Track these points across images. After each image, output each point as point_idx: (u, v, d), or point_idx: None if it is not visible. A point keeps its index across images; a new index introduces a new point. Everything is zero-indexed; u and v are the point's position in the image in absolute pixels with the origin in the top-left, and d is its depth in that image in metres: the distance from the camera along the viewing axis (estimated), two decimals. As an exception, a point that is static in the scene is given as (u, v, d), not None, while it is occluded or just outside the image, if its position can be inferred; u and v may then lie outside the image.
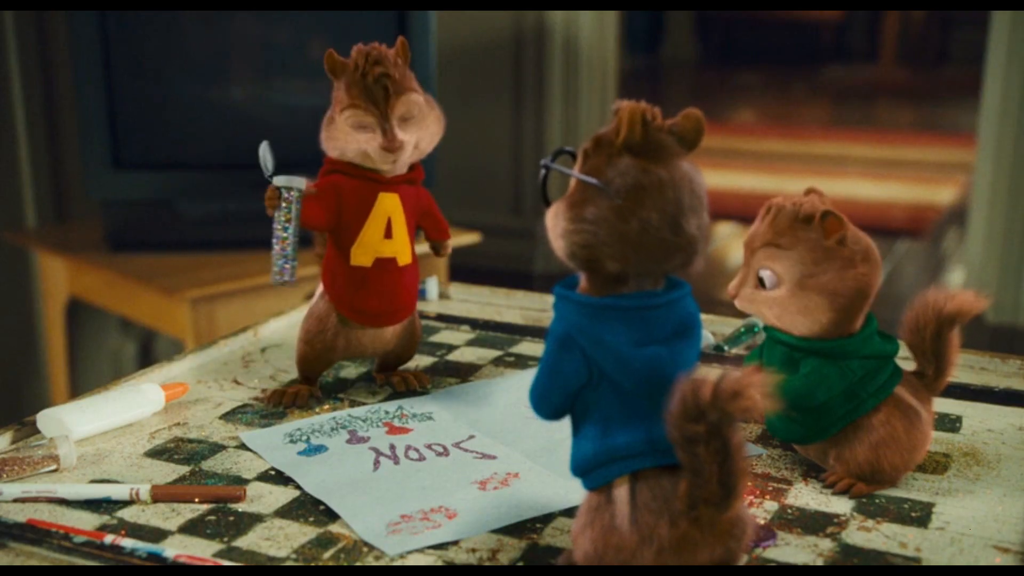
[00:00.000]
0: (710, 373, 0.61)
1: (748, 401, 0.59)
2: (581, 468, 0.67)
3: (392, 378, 1.03)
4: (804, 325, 0.80)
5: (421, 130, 0.97)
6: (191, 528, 0.77)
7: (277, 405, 0.98)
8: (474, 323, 1.21)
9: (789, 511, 0.79)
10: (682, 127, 0.65)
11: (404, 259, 0.99)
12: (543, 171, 0.67)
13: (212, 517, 0.79)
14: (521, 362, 1.11)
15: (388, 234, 0.97)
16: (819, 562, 0.72)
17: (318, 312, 0.99)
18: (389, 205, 0.97)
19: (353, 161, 0.97)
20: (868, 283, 0.79)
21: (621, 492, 0.64)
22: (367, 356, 1.02)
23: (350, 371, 1.07)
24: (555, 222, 0.64)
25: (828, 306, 0.79)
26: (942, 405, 0.97)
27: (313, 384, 1.01)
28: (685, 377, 0.61)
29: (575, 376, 0.65)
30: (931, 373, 0.83)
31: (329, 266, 0.99)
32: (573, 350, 0.65)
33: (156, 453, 0.89)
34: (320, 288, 1.01)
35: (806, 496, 0.81)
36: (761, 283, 0.81)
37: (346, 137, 0.95)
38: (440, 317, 1.23)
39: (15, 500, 0.80)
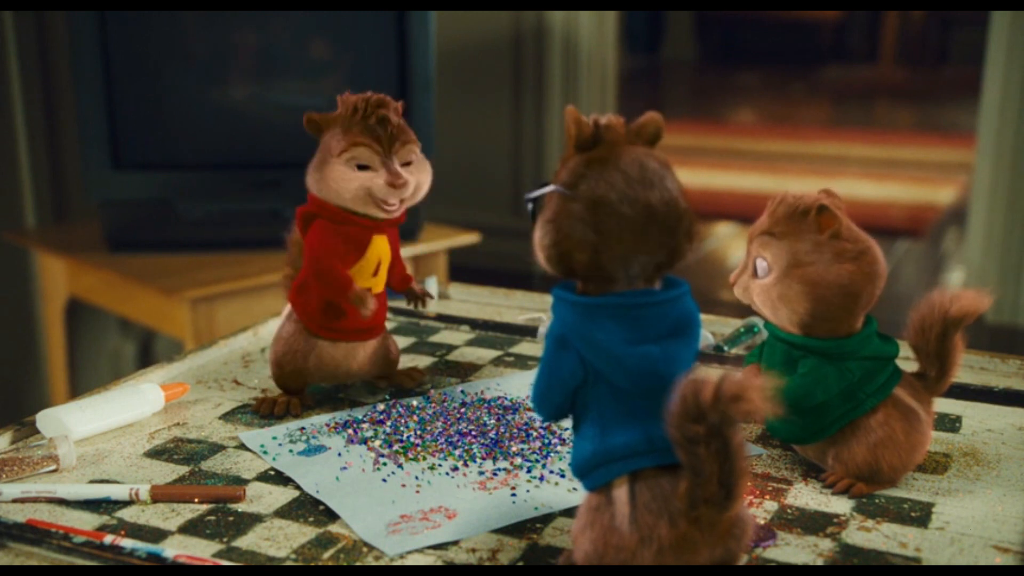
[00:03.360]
0: (710, 374, 0.61)
1: (749, 405, 0.59)
2: (581, 468, 0.67)
3: (398, 377, 1.03)
4: (784, 314, 0.81)
5: (419, 176, 0.97)
6: (191, 528, 0.77)
7: (267, 415, 0.97)
8: (474, 323, 1.21)
9: (789, 511, 0.79)
10: (641, 126, 0.67)
11: (378, 288, 1.00)
12: (530, 205, 0.68)
13: (212, 517, 0.79)
14: (521, 362, 1.11)
15: (376, 273, 0.98)
16: (819, 562, 0.72)
17: (286, 334, 0.98)
18: (381, 248, 0.98)
19: (347, 206, 0.95)
20: (854, 281, 0.79)
21: (621, 492, 0.64)
22: (341, 378, 1.00)
23: (350, 371, 1.07)
24: (534, 240, 0.66)
25: (806, 296, 0.79)
26: (942, 405, 0.97)
27: (301, 394, 0.99)
28: (685, 377, 0.61)
29: (572, 376, 0.65)
30: (934, 374, 0.83)
31: (303, 290, 0.98)
32: (569, 350, 0.65)
33: (156, 453, 0.89)
34: (287, 308, 1.00)
35: (806, 496, 0.81)
36: (756, 273, 0.82)
37: (345, 177, 0.94)
38: (440, 317, 1.23)
39: (15, 500, 0.80)
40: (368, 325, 0.98)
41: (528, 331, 1.18)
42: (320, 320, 0.97)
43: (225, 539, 0.75)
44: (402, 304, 1.28)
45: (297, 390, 0.99)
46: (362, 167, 0.94)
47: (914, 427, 0.81)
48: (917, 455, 0.82)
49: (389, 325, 1.21)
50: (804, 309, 0.80)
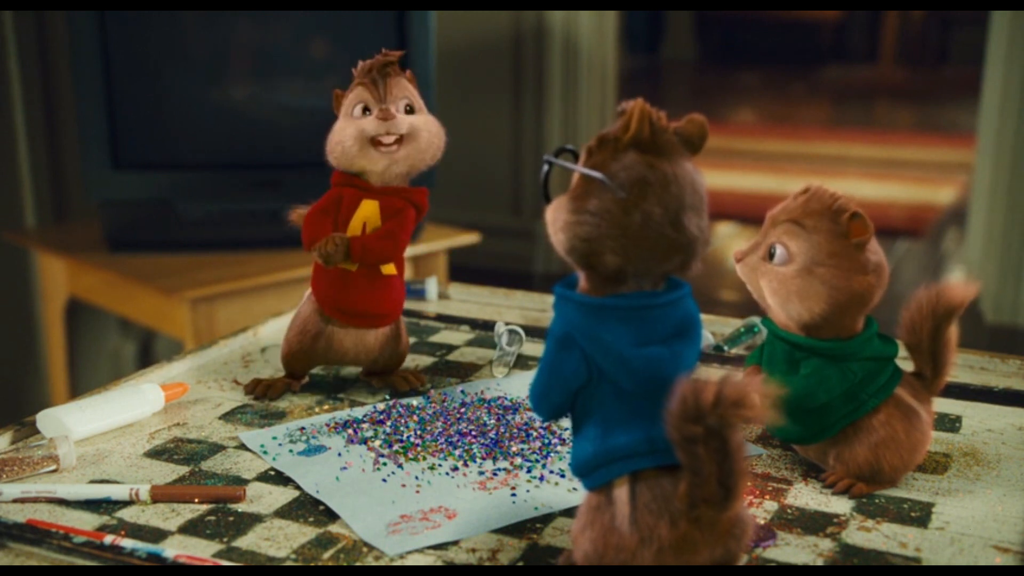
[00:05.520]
0: (711, 375, 0.61)
1: (750, 411, 0.59)
2: (581, 468, 0.67)
3: (392, 378, 1.03)
4: (795, 309, 0.80)
5: (418, 121, 0.98)
6: (191, 528, 0.77)
7: (251, 392, 1.00)
8: (474, 323, 1.21)
9: (789, 511, 0.79)
10: (686, 131, 0.65)
11: (387, 268, 1.00)
12: (545, 167, 0.68)
13: (212, 517, 0.79)
14: (521, 362, 1.10)
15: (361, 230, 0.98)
16: (819, 562, 0.72)
17: (303, 313, 1.01)
18: (368, 211, 0.98)
19: (352, 161, 0.97)
20: (871, 292, 0.79)
21: (621, 492, 0.64)
22: (349, 363, 1.02)
23: (350, 370, 1.07)
24: (556, 216, 0.65)
25: (826, 298, 0.79)
26: (942, 405, 0.97)
27: (297, 379, 1.02)
28: (686, 378, 0.61)
29: (575, 376, 0.65)
30: (929, 373, 0.83)
31: (317, 266, 1.00)
32: (573, 350, 0.65)
33: (156, 453, 0.89)
34: (309, 291, 1.02)
35: (806, 496, 0.81)
36: (770, 257, 0.81)
37: (344, 127, 0.97)
38: (440, 317, 1.23)
39: (15, 500, 0.80)
40: (379, 311, 0.99)
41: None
42: (332, 301, 0.99)
43: (225, 539, 0.75)
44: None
45: (300, 374, 1.02)
46: (362, 109, 0.97)
47: (915, 427, 0.81)
48: (918, 455, 0.82)
49: (389, 325, 1.21)
50: (820, 310, 0.79)
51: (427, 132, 0.98)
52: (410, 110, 0.98)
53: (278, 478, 0.85)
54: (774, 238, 0.81)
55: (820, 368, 0.81)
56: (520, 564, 0.72)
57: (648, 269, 0.64)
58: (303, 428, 0.93)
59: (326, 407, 0.98)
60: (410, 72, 1.00)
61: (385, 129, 0.96)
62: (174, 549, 0.73)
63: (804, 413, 0.82)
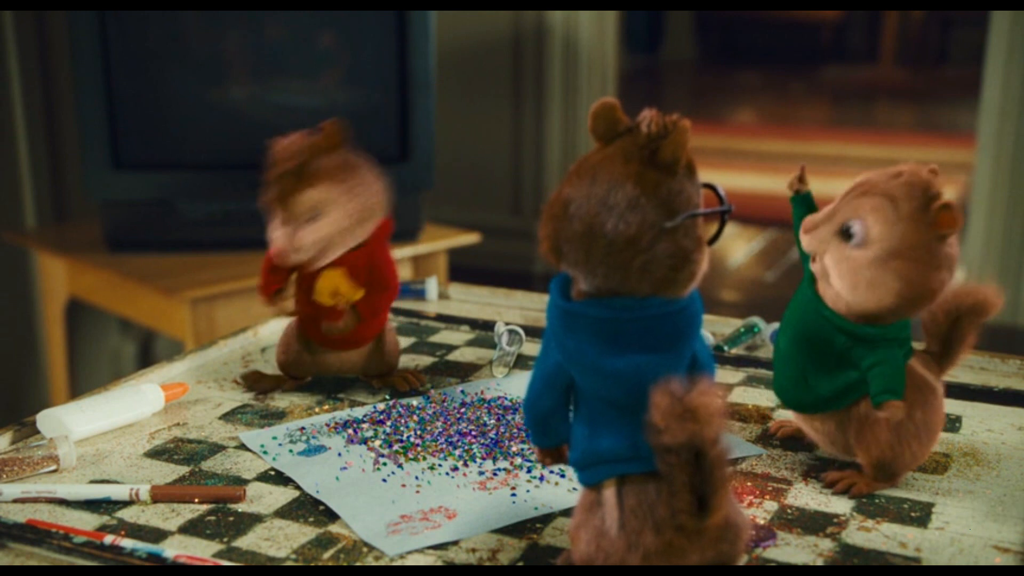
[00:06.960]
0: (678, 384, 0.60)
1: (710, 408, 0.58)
2: (575, 464, 0.67)
3: (392, 378, 1.03)
4: (862, 297, 0.76)
5: (323, 230, 0.91)
6: (191, 528, 0.77)
7: (245, 381, 1.02)
8: (474, 323, 1.21)
9: (789, 511, 0.79)
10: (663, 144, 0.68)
11: (356, 294, 0.96)
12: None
13: (212, 517, 0.79)
14: (521, 362, 1.11)
15: (335, 302, 0.96)
16: (819, 562, 0.72)
17: (287, 332, 1.01)
18: (333, 281, 0.95)
19: None
20: (940, 290, 0.76)
21: (609, 495, 0.64)
22: (335, 374, 1.03)
23: (350, 371, 1.07)
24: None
25: (897, 292, 0.75)
26: (942, 405, 0.97)
27: (295, 380, 1.02)
28: (660, 386, 0.59)
29: (557, 373, 0.66)
30: (937, 350, 0.83)
31: (295, 292, 0.99)
32: (553, 349, 0.65)
33: (156, 453, 0.89)
34: None
35: (806, 496, 0.81)
36: (846, 234, 0.76)
37: (272, 228, 0.93)
38: (440, 317, 1.23)
39: (15, 500, 0.80)
40: (348, 338, 0.99)
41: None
42: (309, 325, 0.99)
43: (225, 539, 0.75)
44: (403, 304, 1.28)
45: (298, 377, 1.02)
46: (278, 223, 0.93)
47: (931, 404, 0.80)
48: (935, 434, 0.81)
49: (389, 325, 1.21)
50: (889, 302, 0.76)
51: (339, 236, 0.92)
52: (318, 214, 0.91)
53: (278, 478, 0.85)
54: (854, 212, 0.76)
55: (889, 351, 0.77)
56: (520, 564, 0.72)
57: (590, 268, 0.64)
58: (303, 428, 0.93)
59: (326, 407, 0.99)
60: (332, 126, 0.92)
61: (284, 263, 0.93)
62: (174, 549, 0.73)
63: (818, 378, 0.80)
